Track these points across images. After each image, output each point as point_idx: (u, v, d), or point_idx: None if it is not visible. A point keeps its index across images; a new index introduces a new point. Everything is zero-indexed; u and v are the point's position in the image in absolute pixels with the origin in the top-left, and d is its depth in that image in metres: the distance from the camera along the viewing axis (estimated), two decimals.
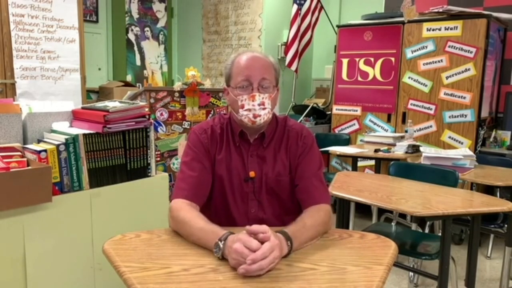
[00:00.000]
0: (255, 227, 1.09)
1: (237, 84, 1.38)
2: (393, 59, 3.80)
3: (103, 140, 1.76)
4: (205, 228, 1.19)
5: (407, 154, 3.06)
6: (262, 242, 1.05)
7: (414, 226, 2.85)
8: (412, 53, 3.69)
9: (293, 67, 4.42)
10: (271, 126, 1.47)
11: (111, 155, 1.80)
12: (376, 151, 3.18)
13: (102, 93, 4.03)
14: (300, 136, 1.47)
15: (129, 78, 5.05)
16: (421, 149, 2.99)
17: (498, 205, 1.85)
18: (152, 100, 3.03)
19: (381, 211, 3.03)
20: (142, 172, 1.93)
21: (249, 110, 1.36)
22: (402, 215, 3.03)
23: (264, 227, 1.09)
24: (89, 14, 4.62)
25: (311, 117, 4.51)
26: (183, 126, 3.19)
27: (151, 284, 0.98)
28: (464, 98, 3.48)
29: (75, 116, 1.88)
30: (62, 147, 1.64)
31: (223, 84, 1.52)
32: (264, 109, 1.37)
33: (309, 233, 1.24)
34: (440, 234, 2.45)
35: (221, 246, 1.09)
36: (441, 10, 3.51)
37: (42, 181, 1.52)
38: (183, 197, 1.35)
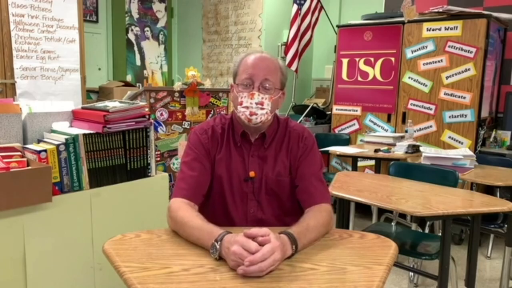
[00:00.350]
0: (254, 230, 1.08)
1: (240, 81, 1.40)
2: (393, 59, 3.80)
3: (103, 140, 1.76)
4: (202, 228, 1.19)
5: (407, 154, 3.06)
6: (262, 245, 1.05)
7: (414, 226, 2.85)
8: (412, 53, 3.69)
9: (293, 67, 4.42)
10: (273, 127, 1.48)
11: (111, 155, 1.80)
12: (376, 151, 3.18)
13: (102, 93, 4.03)
14: (301, 138, 1.48)
15: (129, 78, 5.05)
16: (421, 149, 2.99)
17: (498, 205, 1.85)
18: (152, 100, 3.03)
19: (381, 211, 3.03)
20: (142, 172, 1.93)
21: (247, 107, 1.37)
22: (402, 215, 3.03)
23: (264, 230, 1.08)
24: (89, 14, 4.62)
25: (311, 117, 4.51)
26: (183, 126, 3.19)
27: (151, 284, 0.98)
28: (464, 98, 3.48)
29: (75, 116, 1.88)
30: (62, 147, 1.64)
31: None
32: (262, 109, 1.37)
33: (312, 234, 1.23)
34: (440, 234, 2.45)
35: (218, 247, 1.09)
36: (441, 10, 3.51)
37: (42, 181, 1.52)
38: (182, 196, 1.36)
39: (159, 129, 3.08)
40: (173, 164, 3.19)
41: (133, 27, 5.11)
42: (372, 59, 3.91)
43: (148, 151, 1.93)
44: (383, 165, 3.27)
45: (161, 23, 5.43)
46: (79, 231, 1.71)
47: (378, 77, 3.89)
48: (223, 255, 1.08)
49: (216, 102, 3.31)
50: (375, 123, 3.95)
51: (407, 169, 2.46)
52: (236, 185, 1.43)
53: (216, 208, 1.45)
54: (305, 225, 1.24)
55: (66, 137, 1.65)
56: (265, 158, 1.45)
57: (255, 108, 1.36)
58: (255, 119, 1.37)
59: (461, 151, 2.81)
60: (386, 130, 3.87)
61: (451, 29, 3.48)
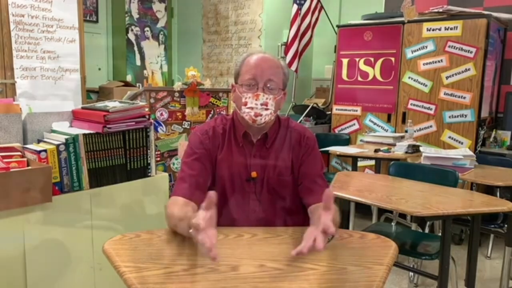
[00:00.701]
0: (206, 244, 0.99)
1: (243, 81, 1.40)
2: (393, 59, 3.80)
3: (103, 140, 1.76)
4: (183, 220, 1.17)
5: (407, 154, 3.06)
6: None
7: (414, 226, 2.85)
8: (412, 53, 3.69)
9: (293, 67, 4.41)
10: (274, 127, 1.48)
11: (111, 155, 1.80)
12: (376, 151, 3.17)
13: (102, 93, 4.03)
14: (303, 137, 1.49)
15: (129, 78, 5.04)
16: (421, 149, 2.99)
17: (498, 205, 1.85)
18: (152, 100, 3.03)
19: (381, 211, 3.03)
20: (142, 172, 1.93)
21: (251, 108, 1.37)
22: (402, 215, 3.02)
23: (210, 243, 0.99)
24: (89, 14, 4.62)
25: (311, 117, 4.50)
26: (183, 126, 3.19)
27: (151, 284, 0.98)
28: (464, 98, 3.48)
29: (75, 116, 1.88)
30: (62, 147, 1.64)
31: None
32: (266, 109, 1.37)
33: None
34: (440, 234, 2.45)
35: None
36: (441, 10, 3.51)
37: (42, 181, 1.52)
38: (179, 195, 1.36)
39: (159, 129, 3.08)
40: (173, 164, 3.19)
41: (133, 27, 5.11)
42: (372, 59, 3.91)
43: (148, 151, 1.93)
44: (383, 165, 3.27)
45: (161, 23, 5.43)
46: (79, 231, 1.71)
47: (378, 77, 3.89)
48: None
49: (216, 102, 3.31)
50: (375, 123, 3.95)
51: (407, 169, 2.46)
52: (238, 185, 1.43)
53: (218, 208, 1.44)
54: (334, 217, 1.24)
55: (66, 137, 1.65)
56: (267, 158, 1.45)
57: (259, 109, 1.36)
58: (259, 120, 1.37)
59: (461, 151, 2.81)
60: (386, 130, 3.87)
61: (451, 29, 3.48)
